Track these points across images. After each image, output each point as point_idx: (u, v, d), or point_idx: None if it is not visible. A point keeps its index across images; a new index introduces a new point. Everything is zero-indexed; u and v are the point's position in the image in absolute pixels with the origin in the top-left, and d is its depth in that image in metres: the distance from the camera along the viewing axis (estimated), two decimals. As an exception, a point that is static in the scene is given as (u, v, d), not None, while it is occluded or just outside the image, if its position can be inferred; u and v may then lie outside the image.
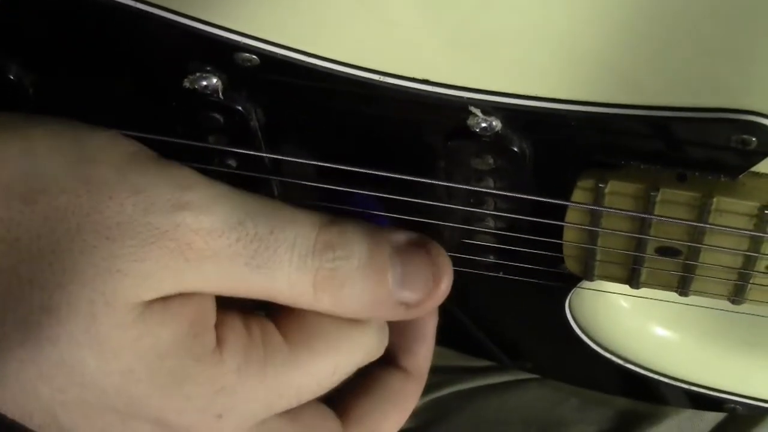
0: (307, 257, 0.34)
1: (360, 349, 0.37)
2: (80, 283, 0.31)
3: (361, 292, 0.35)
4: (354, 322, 0.37)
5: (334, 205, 0.42)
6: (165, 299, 0.33)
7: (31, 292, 0.31)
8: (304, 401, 0.36)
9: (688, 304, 0.50)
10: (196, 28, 0.41)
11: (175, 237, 0.32)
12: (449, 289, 0.37)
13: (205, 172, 0.46)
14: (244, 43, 0.41)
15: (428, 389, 0.66)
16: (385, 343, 0.39)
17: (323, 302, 0.35)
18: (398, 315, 0.37)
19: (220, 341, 0.34)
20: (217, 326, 0.35)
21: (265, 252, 0.33)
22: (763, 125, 0.39)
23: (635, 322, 0.57)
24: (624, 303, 0.57)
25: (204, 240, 0.33)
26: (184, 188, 0.34)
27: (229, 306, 0.36)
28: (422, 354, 0.41)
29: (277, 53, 0.41)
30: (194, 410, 0.34)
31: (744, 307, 0.50)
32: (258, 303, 0.36)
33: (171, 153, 0.45)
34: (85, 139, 0.34)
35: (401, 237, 0.37)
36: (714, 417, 0.66)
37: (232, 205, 0.34)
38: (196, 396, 0.33)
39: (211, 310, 0.35)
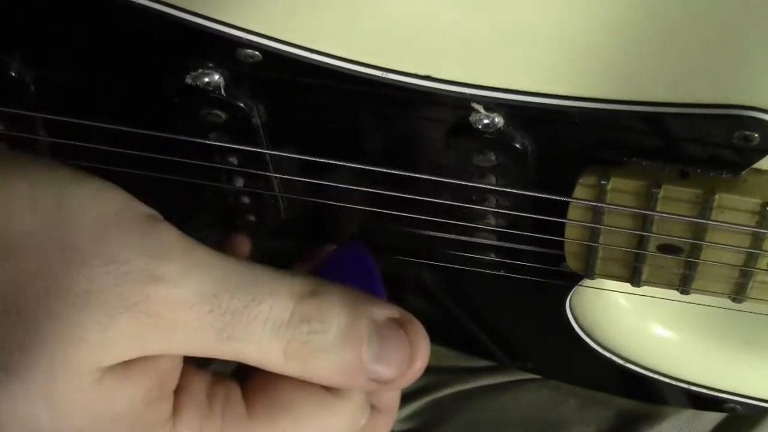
0: (281, 328, 0.33)
1: (329, 429, 0.36)
2: (41, 347, 0.31)
3: (333, 364, 0.34)
4: (327, 399, 0.36)
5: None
6: (127, 363, 0.32)
7: None
8: None
9: (689, 302, 0.50)
10: (198, 23, 0.41)
11: (145, 308, 0.32)
12: (423, 369, 0.36)
13: (207, 169, 0.46)
14: (247, 39, 0.41)
15: (427, 390, 0.66)
16: (362, 422, 0.38)
17: (293, 368, 0.34)
18: (369, 388, 0.36)
19: (176, 409, 0.34)
20: (178, 391, 0.34)
21: (237, 325, 0.33)
22: (766, 121, 0.39)
23: (636, 322, 0.57)
24: (624, 302, 0.57)
25: (174, 312, 0.32)
26: (161, 259, 0.32)
27: (197, 368, 0.36)
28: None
29: (279, 49, 0.41)
30: None
31: (744, 306, 0.50)
32: None
33: (172, 150, 0.45)
34: (68, 196, 0.33)
35: (382, 312, 0.36)
36: (713, 418, 0.66)
37: (209, 277, 0.33)
38: None
39: (173, 373, 0.34)
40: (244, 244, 0.48)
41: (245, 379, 0.36)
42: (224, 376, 0.36)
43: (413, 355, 0.36)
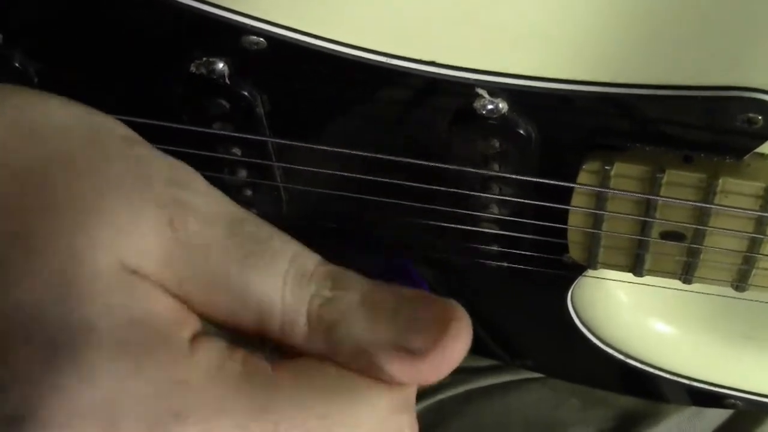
0: (304, 278, 0.30)
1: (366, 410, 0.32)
2: (68, 223, 0.29)
3: (359, 332, 0.31)
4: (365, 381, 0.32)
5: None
6: (153, 279, 0.30)
7: (16, 223, 0.30)
8: None
9: (691, 291, 0.50)
10: (202, 10, 0.41)
11: (172, 212, 0.30)
12: (464, 349, 0.31)
13: (209, 160, 0.46)
14: (252, 26, 0.41)
15: (428, 392, 0.66)
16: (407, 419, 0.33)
17: (317, 337, 0.31)
18: (404, 369, 0.31)
19: (196, 341, 0.31)
20: (200, 332, 0.31)
21: (262, 255, 0.30)
22: (769, 103, 0.39)
23: (636, 317, 0.57)
24: (625, 297, 0.57)
25: (199, 224, 0.30)
26: (189, 173, 0.32)
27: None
28: None
29: (284, 36, 0.41)
30: (148, 397, 0.30)
31: (745, 298, 0.50)
32: None
33: (176, 140, 0.45)
34: (97, 114, 0.33)
35: (412, 290, 0.31)
36: (715, 417, 0.66)
37: (232, 207, 0.31)
38: (153, 381, 0.30)
39: (192, 317, 0.31)
40: None
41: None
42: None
43: (447, 326, 0.30)
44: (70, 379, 0.29)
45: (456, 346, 0.30)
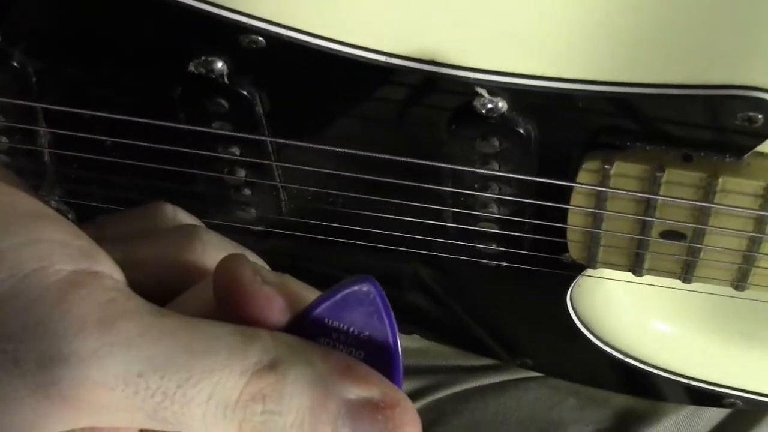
0: (228, 409, 0.28)
1: None
2: None
3: None
4: None
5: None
6: None
7: None
8: None
9: (691, 290, 0.50)
10: (201, 9, 0.41)
11: (55, 391, 0.28)
12: None
13: (208, 159, 0.46)
14: (250, 25, 0.41)
15: (426, 391, 0.66)
16: None
17: None
18: None
19: None
20: None
21: (170, 408, 0.28)
22: (769, 102, 0.39)
23: (635, 317, 0.57)
24: (625, 297, 0.57)
25: (92, 393, 0.28)
26: (72, 335, 0.28)
27: None
28: None
29: (282, 35, 0.41)
30: None
31: (744, 298, 0.50)
32: None
33: (176, 139, 0.45)
34: None
35: (359, 391, 0.30)
36: (713, 416, 0.66)
37: (133, 355, 0.28)
38: None
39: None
40: None
41: None
42: None
43: None
44: None
45: None
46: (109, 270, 0.30)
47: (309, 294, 0.32)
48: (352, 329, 0.31)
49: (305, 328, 0.31)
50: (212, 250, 0.35)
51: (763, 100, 0.39)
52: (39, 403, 0.28)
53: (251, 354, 0.29)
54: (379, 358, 0.31)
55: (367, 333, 0.31)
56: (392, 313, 0.32)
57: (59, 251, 0.29)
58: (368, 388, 0.30)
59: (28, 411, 0.28)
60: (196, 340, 0.29)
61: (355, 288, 0.31)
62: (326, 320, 0.31)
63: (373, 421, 0.29)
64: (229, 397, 0.28)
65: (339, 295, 0.31)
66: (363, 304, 0.31)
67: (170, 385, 0.28)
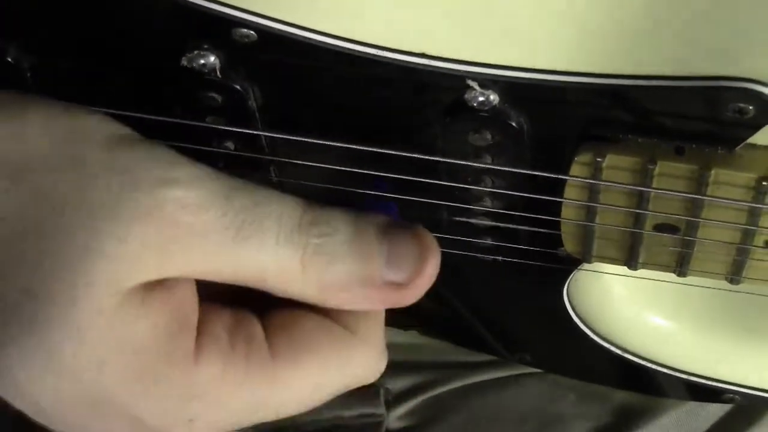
0: (294, 232, 0.34)
1: (351, 371, 0.36)
2: (61, 265, 0.31)
3: (349, 270, 0.35)
4: (350, 340, 0.36)
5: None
6: (146, 289, 0.32)
7: (12, 272, 0.31)
8: (283, 417, 0.35)
9: (688, 284, 0.50)
10: (193, 3, 0.41)
11: (162, 214, 0.32)
12: (437, 269, 0.36)
13: (202, 155, 0.46)
14: (242, 18, 0.41)
15: (426, 386, 0.66)
16: (382, 369, 0.38)
17: (311, 283, 0.34)
18: (388, 298, 0.36)
19: (199, 347, 0.33)
20: (200, 331, 0.34)
21: (251, 224, 0.33)
22: (760, 93, 0.39)
23: (633, 312, 0.57)
24: (622, 291, 0.57)
25: (191, 214, 0.33)
26: (171, 165, 0.33)
27: (219, 308, 0.35)
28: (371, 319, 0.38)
29: (275, 28, 0.41)
30: (166, 412, 0.33)
31: (742, 292, 0.50)
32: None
33: (169, 134, 0.45)
34: (76, 119, 0.34)
35: (386, 218, 0.36)
36: (712, 412, 0.66)
37: (218, 182, 0.34)
38: (169, 398, 0.33)
39: (192, 307, 0.34)
40: None
41: (266, 319, 0.36)
42: (246, 314, 0.36)
43: (424, 253, 0.36)
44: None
45: (432, 273, 0.36)
46: None
47: None
48: None
49: None
50: None
51: (754, 91, 0.39)
52: (145, 230, 0.31)
53: (296, 197, 0.35)
54: None
55: None
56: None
57: None
58: (392, 220, 0.36)
59: (136, 239, 0.31)
60: (252, 183, 0.35)
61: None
62: None
63: (405, 231, 0.36)
64: (293, 220, 0.34)
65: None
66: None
67: (249, 203, 0.33)
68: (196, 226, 0.33)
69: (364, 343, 0.36)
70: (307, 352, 0.35)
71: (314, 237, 0.34)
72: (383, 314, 0.38)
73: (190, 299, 0.34)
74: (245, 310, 0.35)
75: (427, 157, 0.44)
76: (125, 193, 0.32)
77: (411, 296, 0.36)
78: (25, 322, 0.30)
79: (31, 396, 0.32)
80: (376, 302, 0.36)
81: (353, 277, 0.35)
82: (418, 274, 0.36)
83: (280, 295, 0.35)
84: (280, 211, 0.34)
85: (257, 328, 0.35)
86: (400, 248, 0.36)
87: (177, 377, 0.33)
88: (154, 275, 0.32)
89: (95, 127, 0.34)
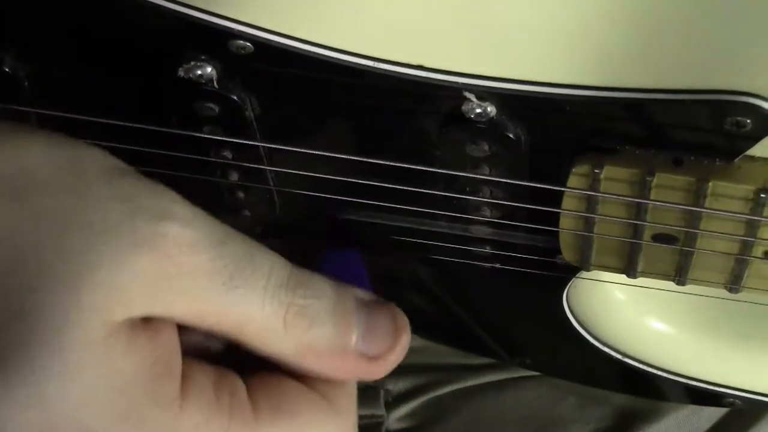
0: (281, 290, 0.34)
1: (329, 429, 0.36)
2: (55, 288, 0.30)
3: (327, 337, 0.35)
4: (327, 406, 0.36)
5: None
6: (132, 326, 0.32)
7: (5, 292, 0.31)
8: None
9: (687, 293, 0.50)
10: (190, 15, 0.41)
11: (158, 248, 0.32)
12: (407, 347, 0.37)
13: (202, 163, 0.47)
14: (239, 31, 0.41)
15: (426, 388, 0.66)
16: (356, 429, 0.38)
17: (290, 342, 0.35)
18: (358, 369, 0.36)
19: (184, 393, 0.33)
20: (185, 379, 0.33)
21: (243, 273, 0.33)
22: (758, 107, 0.39)
23: (634, 316, 0.57)
24: (622, 296, 0.56)
25: (186, 254, 0.32)
26: (171, 201, 0.33)
27: (202, 362, 0.35)
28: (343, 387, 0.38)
29: (271, 40, 0.41)
30: None
31: (742, 298, 0.50)
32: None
33: (167, 144, 0.45)
34: (77, 149, 0.34)
35: (364, 293, 0.37)
36: (712, 415, 0.66)
37: (214, 227, 0.34)
38: None
39: (176, 355, 0.34)
40: None
41: (246, 377, 0.36)
42: (228, 371, 0.35)
43: (398, 328, 0.37)
44: None
45: (403, 350, 0.37)
46: None
47: None
48: None
49: None
50: None
51: (751, 105, 0.39)
52: (141, 260, 0.31)
53: (287, 264, 0.35)
54: None
55: None
56: (369, 284, 0.40)
57: None
58: (370, 295, 0.37)
59: (131, 268, 0.31)
60: (245, 236, 0.35)
61: (338, 258, 0.40)
62: None
63: (382, 308, 0.37)
64: (282, 277, 0.34)
65: (325, 265, 0.39)
66: (346, 272, 0.38)
67: (244, 253, 0.33)
68: (189, 266, 0.32)
69: (338, 414, 0.36)
70: (287, 414, 0.35)
71: (300, 298, 0.35)
72: (355, 387, 0.38)
73: (174, 345, 0.34)
74: (227, 368, 0.35)
75: (424, 168, 0.44)
76: (125, 221, 0.32)
77: (381, 370, 0.37)
78: (11, 346, 0.30)
79: (13, 425, 0.31)
80: (347, 371, 0.36)
81: (331, 343, 0.35)
82: (391, 350, 0.37)
83: (256, 348, 0.35)
84: (270, 266, 0.34)
85: (240, 384, 0.35)
86: (376, 323, 0.36)
87: (162, 420, 0.32)
88: (141, 310, 0.32)
89: (96, 158, 0.34)
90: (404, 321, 0.37)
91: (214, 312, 0.33)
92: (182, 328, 0.34)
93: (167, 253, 0.32)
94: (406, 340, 0.37)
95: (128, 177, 0.33)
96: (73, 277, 0.31)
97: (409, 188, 0.45)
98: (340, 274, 0.38)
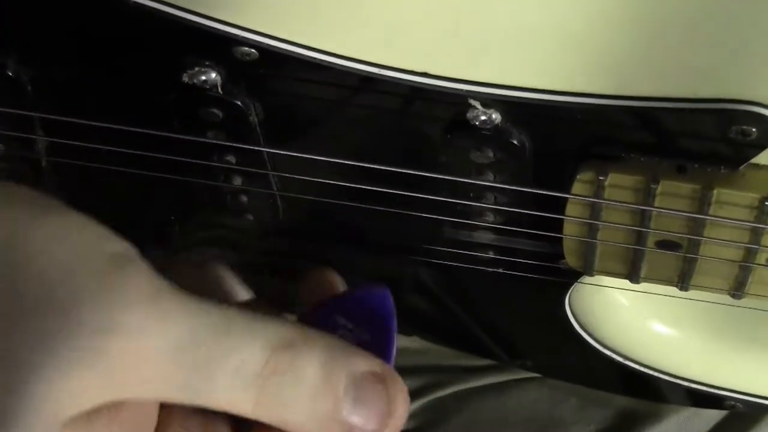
0: (251, 378, 0.32)
1: None
2: (9, 380, 0.29)
3: (306, 414, 0.32)
4: None
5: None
6: (90, 414, 0.30)
7: None
8: None
9: (689, 299, 0.50)
10: (194, 21, 0.41)
11: (100, 360, 0.30)
12: (401, 425, 0.34)
13: (205, 168, 0.46)
14: (243, 37, 0.41)
15: (427, 389, 0.66)
16: None
17: (262, 417, 0.32)
18: None
19: None
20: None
21: (203, 377, 0.31)
22: (763, 115, 0.39)
23: (635, 319, 0.57)
24: (624, 300, 0.56)
25: (133, 364, 0.30)
26: (120, 308, 0.30)
27: (187, 410, 0.34)
28: None
29: (275, 47, 0.41)
30: None
31: (743, 302, 0.50)
32: None
33: (170, 150, 0.45)
34: (22, 238, 0.31)
35: (362, 366, 0.33)
36: (713, 416, 0.66)
37: (174, 328, 0.31)
38: None
39: (148, 415, 0.33)
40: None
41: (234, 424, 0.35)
42: (215, 417, 0.34)
43: (390, 409, 0.33)
44: None
45: (396, 427, 0.33)
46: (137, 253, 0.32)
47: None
48: (356, 329, 0.34)
49: (317, 317, 0.35)
50: None
51: (757, 113, 0.39)
52: (83, 374, 0.29)
53: (271, 333, 0.32)
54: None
55: (368, 336, 0.34)
56: (396, 327, 0.36)
57: (100, 234, 0.31)
58: (370, 363, 0.33)
59: (74, 381, 0.29)
60: (225, 317, 0.32)
61: (370, 297, 0.35)
62: (336, 316, 0.34)
63: (376, 387, 0.33)
64: (253, 369, 0.31)
65: (354, 299, 0.35)
66: (373, 312, 0.35)
67: (205, 356, 0.31)
68: (139, 375, 0.30)
69: None
70: None
71: (273, 385, 0.32)
72: None
73: (142, 408, 0.33)
74: (213, 414, 0.34)
75: (428, 174, 0.44)
76: (62, 337, 0.29)
77: None
78: None
79: None
80: None
81: (311, 420, 0.33)
82: (380, 429, 0.33)
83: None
84: (240, 363, 0.31)
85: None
86: (367, 400, 0.33)
87: None
88: (95, 403, 0.31)
89: (39, 250, 0.30)
90: (400, 400, 0.34)
91: (177, 400, 0.32)
92: None
93: (112, 364, 0.30)
94: (397, 420, 0.34)
95: (72, 276, 0.30)
96: (11, 387, 0.29)
97: (412, 194, 0.45)
98: (366, 312, 0.35)
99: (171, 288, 0.31)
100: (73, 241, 0.31)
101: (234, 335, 0.31)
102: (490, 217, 0.47)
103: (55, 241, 0.30)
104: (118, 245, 0.31)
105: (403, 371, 0.64)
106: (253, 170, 0.46)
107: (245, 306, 0.35)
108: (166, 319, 0.31)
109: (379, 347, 0.34)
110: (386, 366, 0.34)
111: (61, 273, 0.30)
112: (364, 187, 0.45)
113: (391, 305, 0.36)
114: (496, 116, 0.42)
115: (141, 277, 0.31)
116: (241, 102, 0.44)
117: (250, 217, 0.50)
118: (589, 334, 0.56)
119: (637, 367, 0.58)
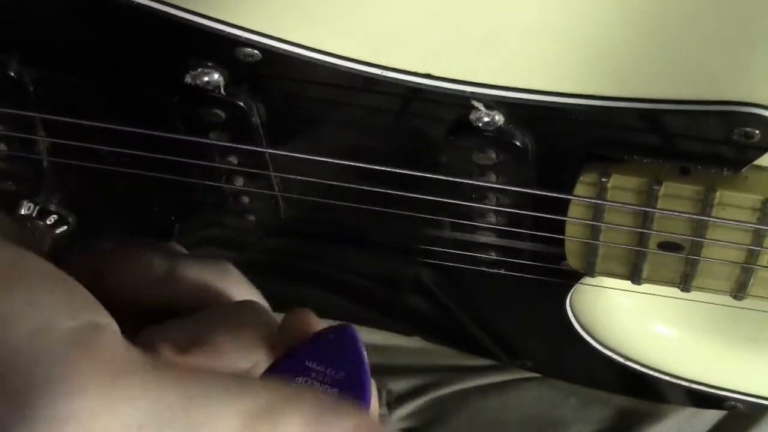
0: None
1: None
2: None
3: None
4: None
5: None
6: None
7: None
8: None
9: (690, 300, 0.50)
10: (197, 23, 0.41)
11: None
12: None
13: (207, 169, 0.46)
14: (246, 38, 0.41)
15: (427, 388, 0.66)
16: None
17: None
18: None
19: None
20: None
21: None
22: (766, 118, 0.39)
23: (636, 320, 0.57)
24: (625, 300, 0.56)
25: None
26: (75, 393, 0.29)
27: None
28: None
29: (278, 48, 0.41)
30: None
31: (745, 303, 0.50)
32: None
33: (173, 151, 0.45)
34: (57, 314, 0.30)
35: (349, 424, 0.32)
36: (713, 416, 0.66)
37: (135, 411, 0.29)
38: None
39: None
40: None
41: None
42: None
43: None
44: None
45: None
46: (108, 320, 0.30)
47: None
48: (329, 371, 0.34)
49: (288, 367, 0.34)
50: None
51: (759, 116, 0.39)
52: None
53: (248, 399, 0.30)
54: (351, 394, 0.34)
55: (342, 374, 0.34)
56: (367, 359, 0.35)
57: (60, 308, 0.30)
58: (357, 417, 0.32)
59: None
60: (193, 389, 0.30)
61: (335, 337, 0.35)
62: (307, 362, 0.34)
63: None
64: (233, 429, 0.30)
65: (321, 342, 0.35)
66: (342, 350, 0.35)
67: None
68: None
69: None
70: None
71: None
72: None
73: None
74: None
75: (431, 176, 0.44)
76: (35, 413, 0.28)
77: None
78: None
79: None
80: None
81: None
82: None
83: None
84: None
85: None
86: None
87: None
88: None
89: (50, 322, 0.29)
90: None
91: None
92: None
93: None
94: None
95: (27, 356, 0.29)
96: None
97: (415, 195, 0.45)
98: (334, 358, 0.35)
99: (135, 362, 0.30)
100: (32, 320, 0.29)
101: (207, 404, 0.30)
102: (492, 218, 0.47)
103: (13, 320, 0.29)
104: (83, 317, 0.30)
105: (404, 370, 0.64)
106: (255, 171, 0.46)
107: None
108: (125, 400, 0.29)
109: (355, 381, 0.34)
110: (368, 419, 0.33)
111: (14, 355, 0.29)
112: (366, 188, 0.45)
113: (357, 337, 0.35)
114: (499, 118, 0.42)
115: (96, 359, 0.29)
116: (244, 103, 0.44)
117: (252, 217, 0.50)
118: (590, 335, 0.56)
119: (637, 367, 0.58)
